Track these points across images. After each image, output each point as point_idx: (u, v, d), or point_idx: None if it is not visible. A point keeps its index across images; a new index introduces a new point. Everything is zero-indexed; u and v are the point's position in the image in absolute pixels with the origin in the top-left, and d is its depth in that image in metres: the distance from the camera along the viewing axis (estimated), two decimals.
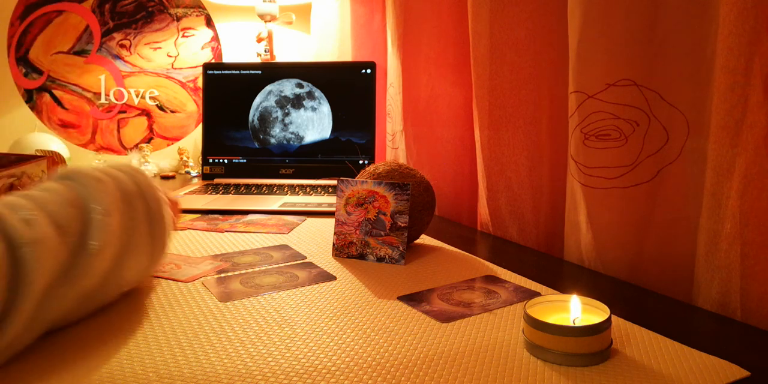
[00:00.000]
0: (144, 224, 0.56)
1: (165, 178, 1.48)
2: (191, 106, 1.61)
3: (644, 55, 0.64)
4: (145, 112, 1.56)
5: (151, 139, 1.57)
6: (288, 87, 1.28)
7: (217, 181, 1.27)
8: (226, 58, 1.64)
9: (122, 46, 1.51)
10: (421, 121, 1.09)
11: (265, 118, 1.28)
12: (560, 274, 0.70)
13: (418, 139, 1.10)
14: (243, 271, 0.68)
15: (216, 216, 0.97)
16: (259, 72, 1.29)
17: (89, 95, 1.50)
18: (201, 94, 1.53)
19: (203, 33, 1.60)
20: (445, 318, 0.54)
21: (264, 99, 1.28)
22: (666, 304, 0.59)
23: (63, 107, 1.48)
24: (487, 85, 0.85)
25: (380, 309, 0.56)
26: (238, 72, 1.30)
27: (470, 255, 0.75)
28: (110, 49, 1.50)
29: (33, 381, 0.42)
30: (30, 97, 1.44)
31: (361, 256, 0.72)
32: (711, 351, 0.46)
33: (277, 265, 0.70)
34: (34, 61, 1.43)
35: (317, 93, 1.26)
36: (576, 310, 0.48)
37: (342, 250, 0.73)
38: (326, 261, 0.72)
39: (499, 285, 0.63)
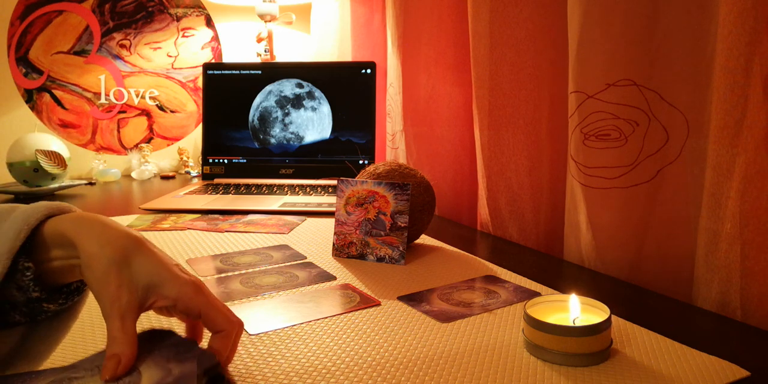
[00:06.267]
0: None
1: (165, 178, 1.48)
2: (191, 106, 1.61)
3: (644, 55, 0.64)
4: (145, 112, 1.56)
5: (151, 139, 1.57)
6: (288, 87, 1.28)
7: (217, 181, 1.27)
8: (226, 58, 1.64)
9: (122, 46, 1.51)
10: (421, 121, 1.09)
11: (265, 118, 1.28)
12: (560, 274, 0.70)
13: (418, 139, 1.10)
14: (243, 271, 0.68)
15: (216, 216, 0.97)
16: (259, 72, 1.29)
17: (89, 95, 1.50)
18: (201, 94, 1.54)
19: (203, 33, 1.60)
20: (445, 318, 0.54)
21: (264, 99, 1.28)
22: (666, 304, 0.59)
23: (63, 107, 1.48)
24: (487, 85, 0.85)
25: (380, 309, 0.56)
26: (238, 72, 1.30)
27: (470, 255, 0.75)
28: (110, 49, 1.50)
29: None
30: (30, 97, 1.44)
31: (361, 256, 0.72)
32: (711, 351, 0.46)
33: (277, 265, 0.70)
34: (34, 61, 1.43)
35: (317, 93, 1.26)
36: (576, 310, 0.48)
37: (342, 250, 0.73)
38: (326, 261, 0.72)
39: (499, 285, 0.63)
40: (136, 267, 0.36)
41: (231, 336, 0.38)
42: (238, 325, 0.38)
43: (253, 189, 1.17)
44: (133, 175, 1.48)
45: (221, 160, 1.29)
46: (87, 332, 0.51)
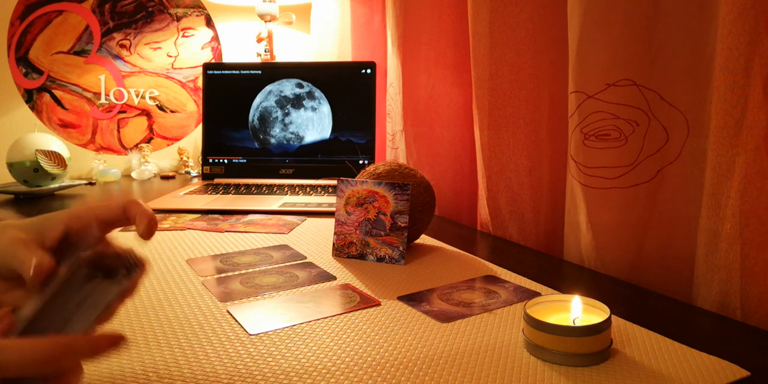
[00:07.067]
0: None
1: (165, 178, 1.48)
2: (191, 106, 1.61)
3: (644, 55, 0.64)
4: (145, 112, 1.56)
5: (151, 139, 1.57)
6: (288, 87, 1.28)
7: (217, 181, 1.27)
8: (226, 58, 1.64)
9: (122, 46, 1.51)
10: (421, 121, 1.09)
11: (265, 118, 1.28)
12: (560, 274, 0.70)
13: (418, 139, 1.10)
14: (243, 271, 0.68)
15: (216, 216, 0.97)
16: (259, 72, 1.29)
17: (89, 95, 1.50)
18: (201, 94, 1.54)
19: (203, 33, 1.60)
20: (445, 318, 0.54)
21: (264, 99, 1.28)
22: (666, 304, 0.59)
23: (63, 107, 1.48)
24: (487, 85, 0.85)
25: (380, 309, 0.56)
26: (238, 72, 1.30)
27: (470, 255, 0.75)
28: (110, 49, 1.50)
29: None
30: (30, 97, 1.44)
31: (361, 256, 0.72)
32: (711, 351, 0.46)
33: (277, 265, 0.70)
34: (34, 61, 1.43)
35: (317, 93, 1.26)
36: (576, 310, 0.48)
37: (342, 250, 0.73)
38: (326, 261, 0.72)
39: (499, 285, 0.63)
40: (23, 224, 0.39)
41: (136, 204, 0.40)
42: (132, 200, 0.41)
43: (253, 189, 1.17)
44: (133, 175, 1.48)
45: (221, 160, 1.29)
46: None
